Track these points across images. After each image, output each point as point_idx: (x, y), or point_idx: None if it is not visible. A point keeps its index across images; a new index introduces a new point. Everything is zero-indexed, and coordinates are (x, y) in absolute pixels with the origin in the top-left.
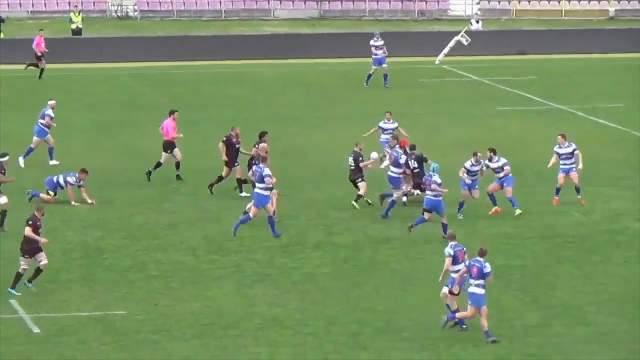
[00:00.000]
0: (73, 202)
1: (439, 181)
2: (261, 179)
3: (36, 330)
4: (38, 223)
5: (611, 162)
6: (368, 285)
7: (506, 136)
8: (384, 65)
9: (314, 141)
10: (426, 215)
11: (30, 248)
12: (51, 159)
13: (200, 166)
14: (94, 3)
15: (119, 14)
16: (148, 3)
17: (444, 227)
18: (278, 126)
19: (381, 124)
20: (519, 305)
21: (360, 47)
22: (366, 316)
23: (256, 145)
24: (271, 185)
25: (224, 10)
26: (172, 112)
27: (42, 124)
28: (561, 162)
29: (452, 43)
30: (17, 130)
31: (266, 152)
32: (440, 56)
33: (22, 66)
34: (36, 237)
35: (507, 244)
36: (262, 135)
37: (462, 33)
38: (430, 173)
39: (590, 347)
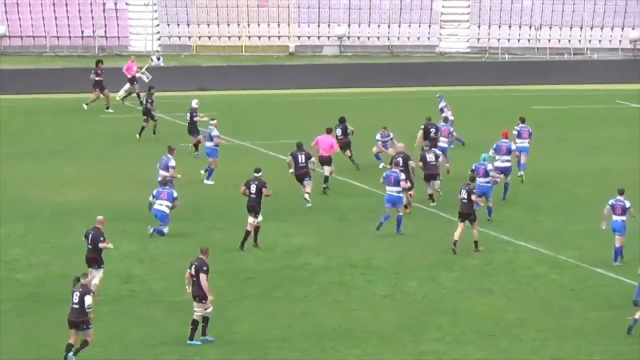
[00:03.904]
0: None
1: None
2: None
3: None
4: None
5: (291, 196)
6: (50, 322)
7: (188, 172)
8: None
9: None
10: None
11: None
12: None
13: None
14: None
15: None
16: None
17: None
18: None
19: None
20: (199, 339)
21: (40, 84)
22: (47, 352)
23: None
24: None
25: None
26: (330, 131)
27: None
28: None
29: None
30: None
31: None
32: (121, 92)
33: None
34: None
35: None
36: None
37: (143, 70)
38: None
39: None
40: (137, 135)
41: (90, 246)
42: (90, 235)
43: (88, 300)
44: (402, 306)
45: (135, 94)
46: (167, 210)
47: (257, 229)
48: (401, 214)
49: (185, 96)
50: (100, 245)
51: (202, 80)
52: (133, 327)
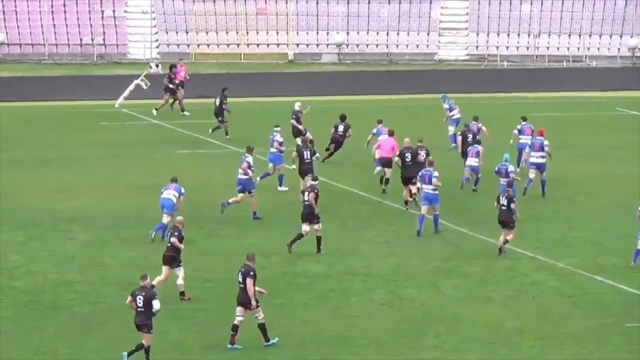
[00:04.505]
0: None
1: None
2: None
3: None
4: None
5: (290, 204)
6: (49, 329)
7: (187, 179)
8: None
9: None
10: None
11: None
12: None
13: None
14: None
15: None
16: None
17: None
18: None
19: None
20: (201, 347)
21: (39, 91)
22: (46, 359)
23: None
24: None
25: None
26: (392, 133)
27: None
28: None
29: (132, 86)
30: None
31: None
32: (120, 99)
33: None
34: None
35: (189, 286)
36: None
37: (141, 77)
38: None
39: None
40: (223, 135)
41: (169, 244)
42: (170, 234)
43: (156, 305)
44: (401, 313)
45: (177, 100)
46: (174, 200)
47: (318, 237)
48: (437, 212)
49: (186, 103)
50: (172, 239)
51: (200, 88)
52: (132, 335)
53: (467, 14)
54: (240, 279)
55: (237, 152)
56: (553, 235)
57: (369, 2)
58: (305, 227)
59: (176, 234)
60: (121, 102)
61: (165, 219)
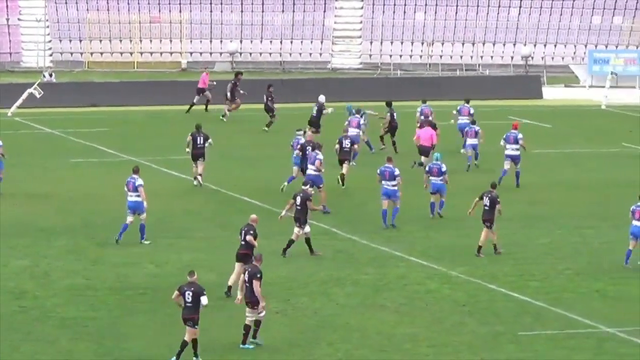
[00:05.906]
0: None
1: (445, 169)
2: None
3: None
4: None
5: (184, 213)
6: None
7: (80, 188)
8: None
9: None
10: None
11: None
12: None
13: None
14: None
15: None
16: None
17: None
18: None
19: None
20: (92, 356)
21: None
22: None
23: None
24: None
25: None
26: (431, 123)
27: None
28: None
29: (25, 95)
30: None
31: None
32: (13, 108)
33: None
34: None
35: (80, 295)
36: None
37: (35, 85)
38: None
39: None
40: (265, 128)
41: (243, 242)
42: (244, 232)
43: (204, 300)
44: (294, 322)
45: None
46: (139, 199)
47: (307, 240)
48: (398, 206)
49: (77, 112)
50: (247, 237)
51: (94, 96)
52: (23, 344)
53: (361, 22)
54: (247, 279)
55: (130, 160)
56: (444, 243)
57: (262, 11)
58: (296, 231)
59: (252, 232)
60: (14, 111)
61: (130, 219)
